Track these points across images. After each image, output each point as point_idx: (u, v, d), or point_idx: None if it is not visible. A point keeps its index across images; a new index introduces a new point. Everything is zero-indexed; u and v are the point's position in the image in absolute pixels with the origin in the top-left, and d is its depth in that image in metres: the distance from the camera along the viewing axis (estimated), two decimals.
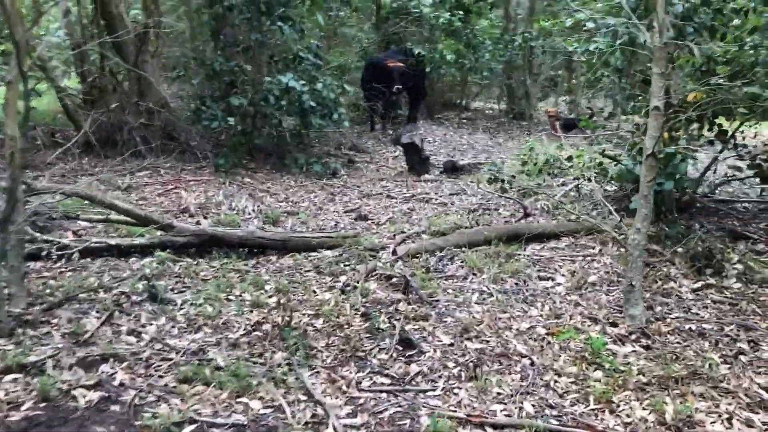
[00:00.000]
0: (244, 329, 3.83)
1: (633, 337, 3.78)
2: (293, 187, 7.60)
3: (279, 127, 8.26)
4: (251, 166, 8.34)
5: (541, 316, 4.09)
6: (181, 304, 4.15)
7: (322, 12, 7.15)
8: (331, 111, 8.03)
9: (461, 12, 10.16)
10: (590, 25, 5.72)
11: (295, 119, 8.38)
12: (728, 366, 3.43)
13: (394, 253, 5.21)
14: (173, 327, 3.85)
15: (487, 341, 3.69)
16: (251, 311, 4.08)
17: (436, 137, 11.28)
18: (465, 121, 15.81)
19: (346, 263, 4.95)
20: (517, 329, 3.85)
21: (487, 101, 20.59)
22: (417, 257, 5.16)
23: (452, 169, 8.32)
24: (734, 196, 7.17)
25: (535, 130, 13.72)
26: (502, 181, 7.18)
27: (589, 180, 7.15)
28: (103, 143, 8.34)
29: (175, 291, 4.41)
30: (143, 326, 3.81)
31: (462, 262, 5.09)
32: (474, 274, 4.82)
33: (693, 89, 5.14)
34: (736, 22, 5.30)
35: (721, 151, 6.31)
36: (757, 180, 6.28)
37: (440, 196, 7.29)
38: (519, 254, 5.27)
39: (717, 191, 6.87)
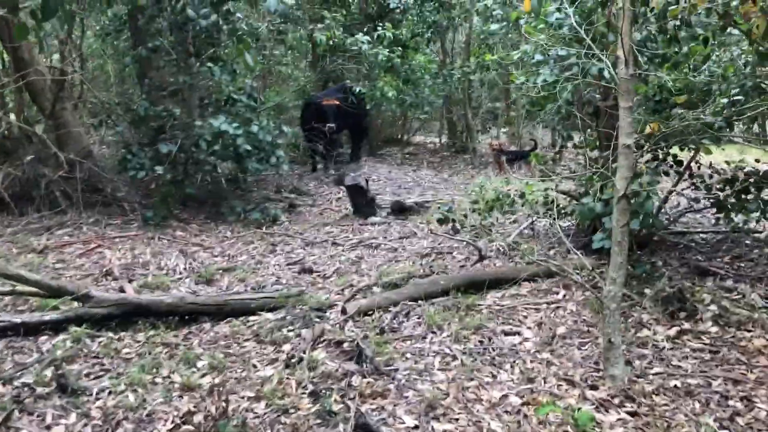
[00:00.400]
0: (172, 422, 3.25)
1: (616, 401, 3.37)
2: (230, 239, 7.02)
3: (213, 173, 7.71)
4: (184, 217, 7.73)
5: (512, 381, 3.64)
6: (98, 394, 3.53)
7: (252, 51, 6.74)
8: (268, 154, 7.54)
9: (400, 48, 9.90)
10: (538, 57, 5.44)
11: (230, 164, 7.86)
12: None
13: (343, 311, 4.71)
14: (86, 426, 3.23)
15: (456, 419, 3.21)
16: (181, 397, 3.50)
17: (381, 175, 10.90)
18: (408, 156, 15.54)
19: (290, 328, 4.42)
20: (488, 401, 3.39)
21: (427, 135, 20.49)
22: (369, 315, 4.68)
23: (400, 210, 7.91)
24: (689, 227, 6.98)
25: (479, 163, 13.54)
26: (453, 221, 6.81)
27: (543, 217, 6.89)
28: (18, 199, 7.58)
29: (91, 376, 3.79)
30: (48, 429, 3.18)
31: (419, 318, 4.63)
32: (433, 332, 4.36)
33: (653, 120, 4.92)
34: (685, 50, 5.12)
35: (677, 183, 6.11)
36: (713, 210, 6.10)
37: (389, 241, 6.84)
38: (480, 305, 4.85)
39: (674, 224, 6.67)
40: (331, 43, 9.27)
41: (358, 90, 9.54)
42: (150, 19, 7.28)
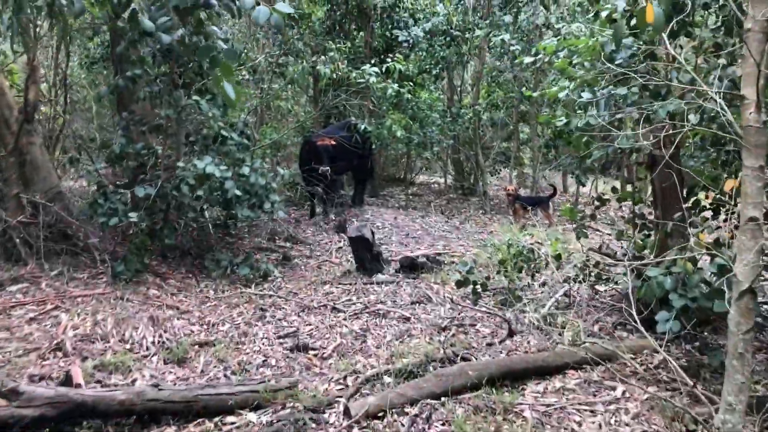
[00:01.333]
0: None
1: None
2: (212, 300, 5.99)
3: (197, 220, 6.73)
4: (161, 271, 6.71)
5: None
6: None
7: (239, 81, 5.86)
8: (261, 199, 6.56)
9: (410, 83, 9.03)
10: (586, 95, 4.50)
11: (218, 209, 6.90)
12: None
13: (346, 413, 3.68)
14: None
15: None
16: None
17: (386, 221, 9.92)
18: (412, 197, 14.61)
19: None
20: None
21: (431, 175, 19.63)
22: (380, 418, 3.65)
23: (410, 267, 6.90)
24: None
25: (491, 208, 12.59)
26: (474, 284, 5.83)
27: (581, 282, 5.89)
28: None
29: None
30: None
31: (444, 424, 3.60)
32: None
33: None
34: None
35: None
36: None
37: (400, 307, 5.82)
38: (520, 404, 3.82)
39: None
40: (334, 76, 8.38)
41: (363, 128, 8.62)
42: (130, 44, 6.38)
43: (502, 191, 12.54)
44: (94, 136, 7.44)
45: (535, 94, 5.02)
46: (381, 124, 8.33)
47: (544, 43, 5.35)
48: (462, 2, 11.99)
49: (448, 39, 11.47)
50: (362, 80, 7.82)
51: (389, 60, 8.60)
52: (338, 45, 8.68)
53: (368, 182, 11.49)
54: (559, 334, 5.07)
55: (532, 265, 6.79)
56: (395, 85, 8.01)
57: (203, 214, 7.19)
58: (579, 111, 4.85)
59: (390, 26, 11.85)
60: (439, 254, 8.02)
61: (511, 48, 10.40)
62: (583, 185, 14.44)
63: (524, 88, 13.04)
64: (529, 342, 5.00)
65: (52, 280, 6.24)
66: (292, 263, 7.50)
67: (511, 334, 5.11)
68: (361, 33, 12.72)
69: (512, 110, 14.06)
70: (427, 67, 12.89)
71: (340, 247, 8.32)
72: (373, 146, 9.93)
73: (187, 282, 6.50)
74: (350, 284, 6.54)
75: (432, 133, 11.73)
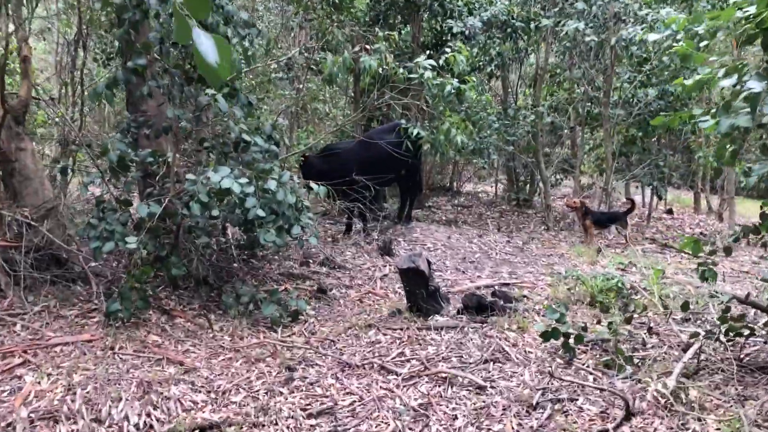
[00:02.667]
0: None
1: None
2: (226, 352, 4.67)
3: (219, 241, 5.45)
4: (170, 306, 5.44)
5: None
6: None
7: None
8: (290, 221, 5.23)
9: (471, 78, 7.61)
10: (757, 84, 3.06)
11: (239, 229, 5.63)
12: None
13: None
14: None
15: None
16: None
17: (437, 241, 8.51)
18: (462, 210, 13.23)
19: None
20: None
21: (477, 184, 18.20)
22: None
23: (477, 308, 5.48)
24: None
25: (555, 224, 11.09)
26: (567, 336, 4.42)
27: (718, 341, 4.42)
28: None
29: None
30: None
31: None
32: None
33: None
34: None
35: None
36: None
37: (469, 367, 4.42)
38: None
39: None
40: (380, 71, 7.03)
41: (415, 132, 7.23)
42: (132, 27, 5.15)
43: (564, 205, 11.04)
44: (90, 141, 6.24)
45: (688, 82, 3.60)
46: (436, 129, 6.93)
47: (672, 16, 3.90)
48: None
49: (508, 31, 10.04)
50: (414, 76, 6.44)
51: (447, 50, 7.19)
52: (386, 34, 7.33)
53: (416, 197, 10.08)
54: (698, 419, 3.61)
55: (632, 307, 5.35)
56: (455, 81, 6.60)
57: (225, 233, 5.91)
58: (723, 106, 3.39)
59: (442, 16, 10.46)
60: (506, 285, 6.60)
61: (586, 38, 8.91)
62: (661, 198, 12.90)
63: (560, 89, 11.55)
64: (656, 430, 3.56)
65: (32, 319, 5.02)
66: (329, 296, 6.17)
67: (629, 415, 3.67)
68: (407, 26, 11.38)
69: (575, 112, 12.55)
70: (480, 63, 11.49)
71: (386, 275, 6.96)
72: (423, 154, 8.56)
73: (198, 322, 5.21)
74: (401, 329, 5.17)
75: (487, 138, 10.32)
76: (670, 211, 14.53)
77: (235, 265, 6.24)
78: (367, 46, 6.94)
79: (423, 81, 6.38)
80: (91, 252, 5.52)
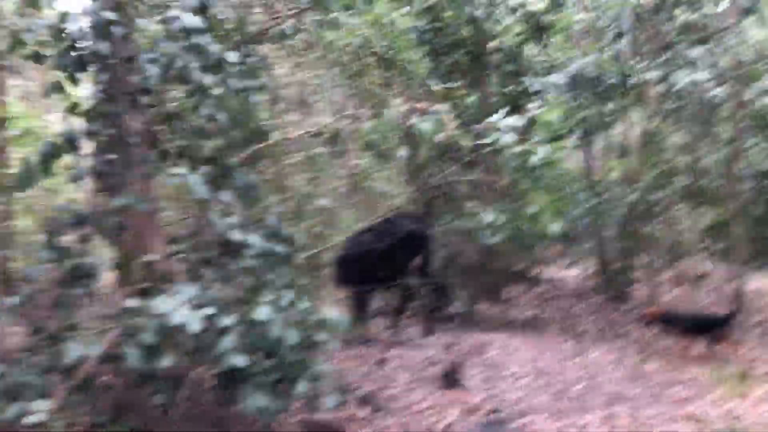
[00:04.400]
0: None
1: None
2: None
3: (171, 405, 3.54)
4: None
5: None
6: None
7: None
8: (292, 373, 3.25)
9: (563, 146, 5.58)
10: None
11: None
12: None
13: None
14: None
15: None
16: None
17: (523, 363, 6.29)
18: (545, 305, 10.95)
19: None
20: None
21: (552, 265, 15.70)
22: None
23: None
24: None
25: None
26: None
27: None
28: None
29: None
30: None
31: None
32: None
33: None
34: None
35: None
36: None
37: None
38: None
39: None
40: (438, 139, 5.20)
41: (489, 219, 5.12)
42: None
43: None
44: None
45: None
46: (518, 213, 4.86)
47: None
48: (616, 42, 8.59)
49: (599, 90, 8.09)
50: (487, 141, 4.51)
51: (529, 109, 5.22)
52: (445, 88, 5.52)
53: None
54: None
55: None
56: (545, 148, 4.58)
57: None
58: None
59: (516, 74, 8.64)
60: None
61: (708, 94, 6.84)
62: None
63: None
64: None
65: None
66: None
67: None
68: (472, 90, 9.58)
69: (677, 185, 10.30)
70: (562, 130, 9.50)
71: (450, 426, 4.83)
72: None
73: None
74: None
75: (578, 221, 8.20)
76: None
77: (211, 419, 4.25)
78: (421, 104, 5.14)
79: (500, 149, 4.46)
80: None
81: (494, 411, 5.09)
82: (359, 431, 4.72)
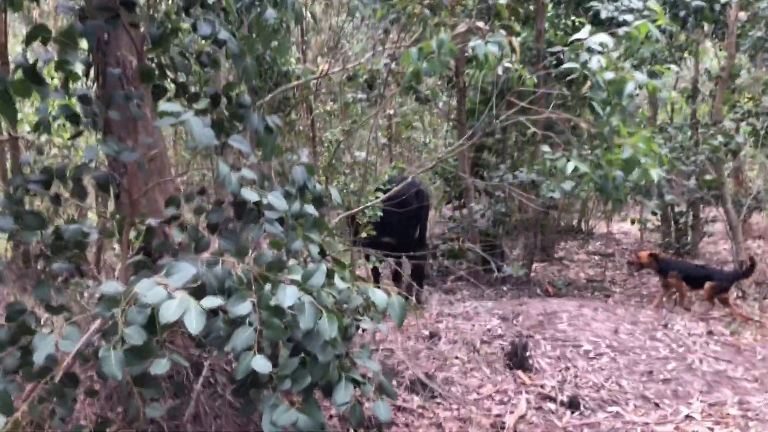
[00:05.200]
0: None
1: None
2: None
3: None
4: None
5: None
6: None
7: None
8: (328, 373, 2.43)
9: (667, 69, 4.52)
10: None
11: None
12: None
13: None
14: None
15: None
16: None
17: (598, 336, 5.36)
18: (605, 260, 10.02)
19: None
20: None
21: (600, 218, 14.61)
22: None
23: None
24: None
25: (755, 290, 7.68)
26: None
27: None
28: None
29: None
30: None
31: None
32: None
33: None
34: None
35: None
36: None
37: None
38: None
39: None
40: (501, 70, 4.22)
41: (570, 167, 4.09)
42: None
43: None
44: None
45: None
46: (605, 159, 3.85)
47: None
48: None
49: (681, 14, 6.91)
50: (570, 66, 3.50)
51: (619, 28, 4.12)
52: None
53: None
54: None
55: None
56: (642, 74, 3.53)
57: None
58: None
59: (578, 4, 7.49)
60: None
61: None
62: None
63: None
64: None
65: None
66: None
67: None
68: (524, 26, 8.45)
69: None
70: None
71: (523, 417, 3.99)
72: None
73: None
74: None
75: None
76: None
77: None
78: (479, 24, 4.14)
79: (585, 75, 3.45)
80: None
81: (572, 399, 4.24)
82: (409, 425, 3.93)
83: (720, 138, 7.22)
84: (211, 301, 2.16)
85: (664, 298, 6.85)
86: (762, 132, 8.80)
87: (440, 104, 10.41)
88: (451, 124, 9.95)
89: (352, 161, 7.58)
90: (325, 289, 2.50)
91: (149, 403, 2.54)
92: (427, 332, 5.48)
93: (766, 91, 9.29)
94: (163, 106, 2.58)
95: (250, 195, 2.74)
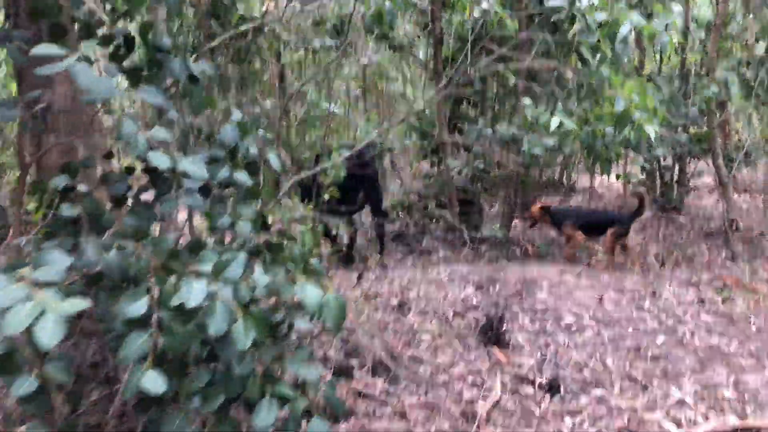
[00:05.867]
0: None
1: None
2: None
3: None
4: None
5: None
6: None
7: None
8: (248, 387, 1.96)
9: (665, 8, 3.97)
10: None
11: None
12: None
13: None
14: None
15: None
16: None
17: (581, 307, 4.94)
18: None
19: None
20: None
21: (577, 172, 14.13)
22: None
23: None
24: None
25: (743, 250, 7.33)
26: None
27: None
28: None
29: None
30: None
31: None
32: None
33: None
34: None
35: None
36: None
37: None
38: None
39: None
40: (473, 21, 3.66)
41: (556, 122, 3.57)
42: None
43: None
44: None
45: None
46: (594, 114, 3.33)
47: None
48: None
49: None
50: (559, 3, 2.92)
51: None
52: None
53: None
54: None
55: None
56: (636, 14, 2.98)
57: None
58: None
59: None
60: None
61: None
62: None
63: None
64: None
65: None
66: None
67: None
68: None
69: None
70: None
71: (497, 403, 3.58)
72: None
73: None
74: None
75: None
76: None
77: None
78: None
79: (573, 16, 2.88)
80: None
81: (552, 381, 3.83)
82: (370, 415, 3.50)
83: (714, 88, 6.71)
84: (75, 304, 1.64)
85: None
86: (754, 83, 8.31)
87: (419, 53, 9.79)
88: (427, 74, 9.34)
89: (328, 114, 7.07)
90: (244, 281, 1.99)
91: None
92: (396, 302, 5.03)
93: (760, 38, 8.78)
94: (35, 48, 2.01)
95: (159, 160, 2.20)
